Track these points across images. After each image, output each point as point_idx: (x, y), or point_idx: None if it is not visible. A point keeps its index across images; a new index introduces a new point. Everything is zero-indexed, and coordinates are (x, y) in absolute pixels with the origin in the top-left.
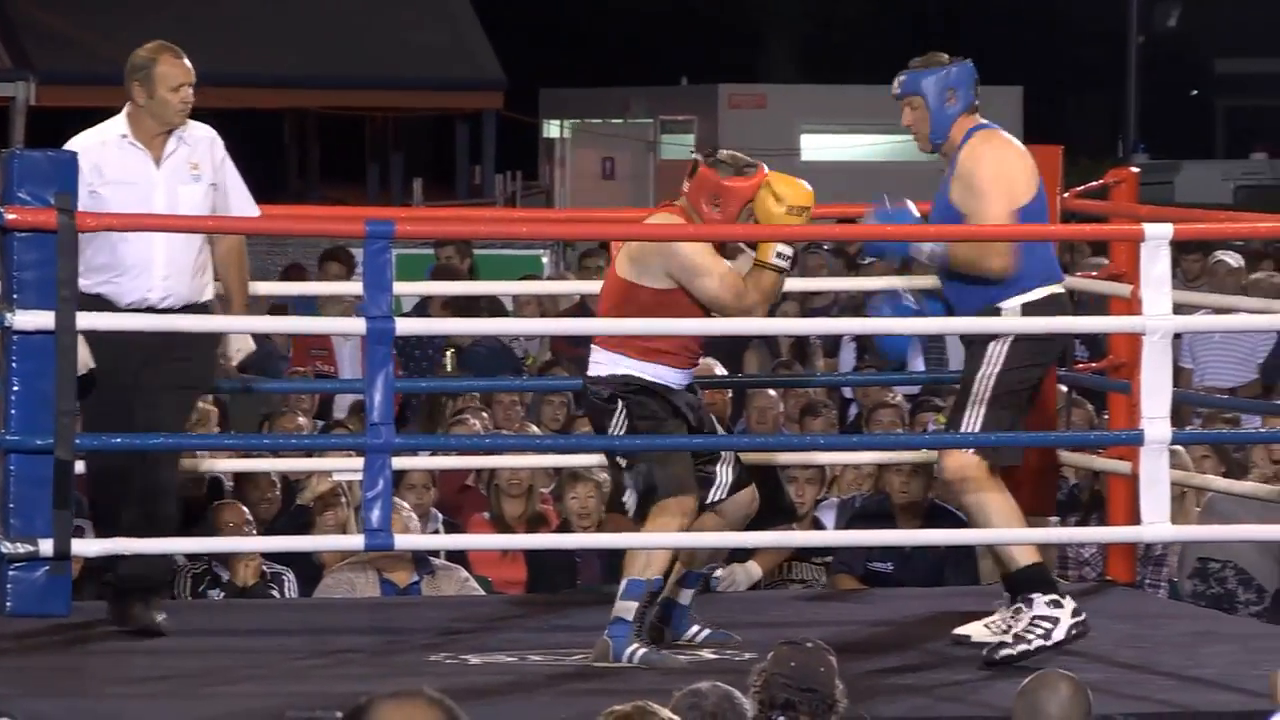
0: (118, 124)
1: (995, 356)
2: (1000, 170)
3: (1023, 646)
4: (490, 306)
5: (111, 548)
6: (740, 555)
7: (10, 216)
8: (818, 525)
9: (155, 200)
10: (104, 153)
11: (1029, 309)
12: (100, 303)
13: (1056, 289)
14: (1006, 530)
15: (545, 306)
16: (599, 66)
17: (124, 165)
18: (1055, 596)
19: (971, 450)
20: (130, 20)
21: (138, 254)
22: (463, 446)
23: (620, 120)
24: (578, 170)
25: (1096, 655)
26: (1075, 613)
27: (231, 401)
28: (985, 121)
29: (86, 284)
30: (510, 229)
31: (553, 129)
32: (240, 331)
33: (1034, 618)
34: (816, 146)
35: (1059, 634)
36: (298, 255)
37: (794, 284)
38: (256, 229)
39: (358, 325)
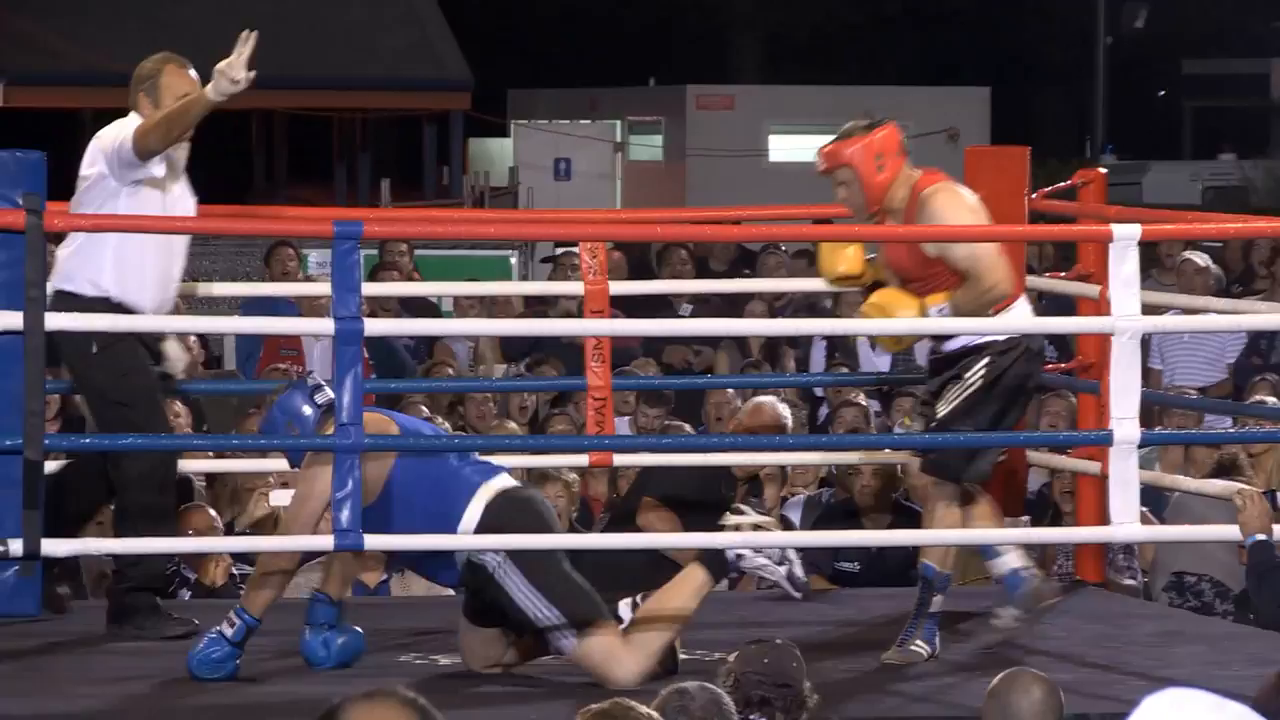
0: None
1: None
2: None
3: None
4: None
5: (80, 548)
6: None
7: None
8: (787, 523)
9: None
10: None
11: None
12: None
13: None
14: (979, 531)
15: (498, 308)
16: (566, 68)
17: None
18: None
19: None
20: (97, 22)
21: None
22: (431, 447)
23: (588, 121)
24: (529, 170)
25: (1066, 655)
26: None
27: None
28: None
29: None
30: (479, 229)
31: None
32: (216, 332)
33: None
34: (784, 148)
35: None
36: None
37: (762, 285)
38: (224, 229)
39: (326, 326)
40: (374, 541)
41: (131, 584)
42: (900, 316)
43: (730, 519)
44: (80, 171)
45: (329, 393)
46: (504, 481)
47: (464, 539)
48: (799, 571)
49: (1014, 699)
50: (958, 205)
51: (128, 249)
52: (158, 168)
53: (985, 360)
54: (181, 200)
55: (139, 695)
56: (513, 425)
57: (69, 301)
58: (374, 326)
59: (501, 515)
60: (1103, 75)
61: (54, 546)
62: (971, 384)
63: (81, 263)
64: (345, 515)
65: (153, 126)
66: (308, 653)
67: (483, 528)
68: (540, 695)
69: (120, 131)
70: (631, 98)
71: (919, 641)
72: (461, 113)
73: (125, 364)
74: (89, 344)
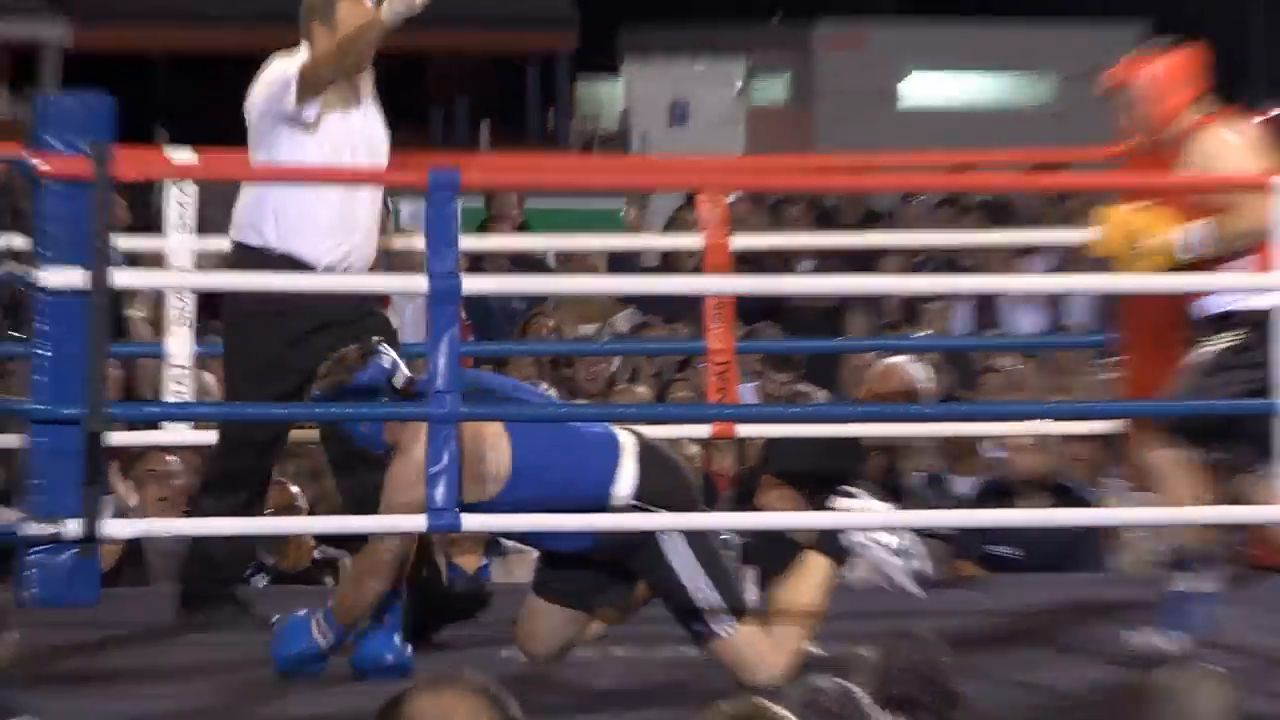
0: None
1: None
2: None
3: None
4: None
5: (145, 529)
6: None
7: (41, 165)
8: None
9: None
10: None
11: None
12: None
13: None
14: (1139, 510)
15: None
16: (684, 3)
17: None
18: None
19: None
20: None
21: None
22: (538, 416)
23: (707, 61)
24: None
25: (1242, 649)
26: None
27: None
28: None
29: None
30: (587, 178)
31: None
32: (301, 290)
33: None
34: (920, 90)
35: None
36: None
37: (898, 239)
38: (309, 178)
39: (420, 284)
40: (472, 522)
41: (203, 567)
42: (1153, 234)
43: (839, 502)
44: (245, 107)
45: (406, 371)
46: (628, 433)
47: (602, 519)
48: (928, 568)
49: (1188, 696)
50: (1225, 146)
51: (290, 193)
52: (310, 110)
53: (1238, 327)
54: (365, 132)
55: (213, 692)
56: (641, 390)
57: (241, 253)
58: (473, 284)
59: (652, 468)
60: (1263, 15)
61: (115, 528)
62: (1216, 346)
63: (247, 209)
64: (440, 492)
65: (325, 56)
66: (383, 647)
67: (641, 484)
68: (656, 691)
69: (287, 66)
70: (754, 36)
71: (1168, 632)
72: (568, 52)
73: (254, 329)
74: (234, 303)
